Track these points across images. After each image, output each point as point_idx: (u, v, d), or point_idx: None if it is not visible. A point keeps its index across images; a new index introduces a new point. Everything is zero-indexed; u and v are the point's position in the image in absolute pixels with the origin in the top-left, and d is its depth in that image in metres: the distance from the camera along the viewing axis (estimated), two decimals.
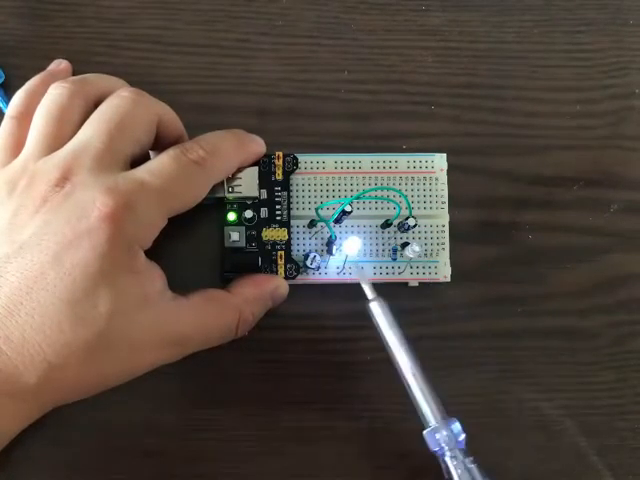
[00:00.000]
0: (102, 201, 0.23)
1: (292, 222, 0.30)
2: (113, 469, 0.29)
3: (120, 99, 0.26)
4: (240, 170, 0.29)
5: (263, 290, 0.28)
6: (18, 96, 0.28)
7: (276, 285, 0.29)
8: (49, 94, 0.26)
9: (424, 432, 0.26)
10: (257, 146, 0.29)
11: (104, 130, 0.25)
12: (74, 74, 0.31)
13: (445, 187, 0.30)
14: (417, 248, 0.29)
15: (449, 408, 0.30)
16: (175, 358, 0.26)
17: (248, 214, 0.29)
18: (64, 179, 0.24)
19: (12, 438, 0.25)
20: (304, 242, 0.30)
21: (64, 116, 0.26)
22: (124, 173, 0.25)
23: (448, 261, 0.30)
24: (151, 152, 0.28)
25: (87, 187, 0.24)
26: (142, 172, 0.25)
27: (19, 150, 0.26)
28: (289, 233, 0.29)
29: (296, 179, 0.30)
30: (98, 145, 0.25)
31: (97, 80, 0.28)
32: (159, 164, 0.25)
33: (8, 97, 0.30)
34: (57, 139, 0.25)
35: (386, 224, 0.30)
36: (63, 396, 0.25)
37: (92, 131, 0.25)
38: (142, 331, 0.24)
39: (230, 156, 0.28)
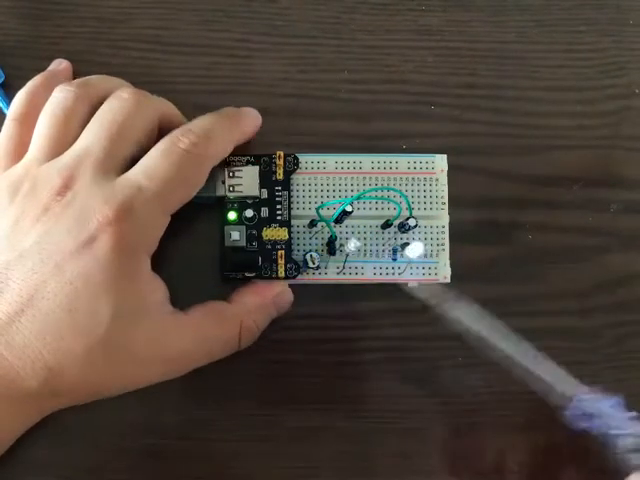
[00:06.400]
0: (102, 212, 0.23)
1: (292, 222, 0.30)
2: (113, 469, 0.29)
3: (120, 101, 0.26)
4: (241, 169, 0.29)
5: (265, 298, 0.28)
6: (19, 98, 0.28)
7: (278, 292, 0.29)
8: (54, 97, 0.26)
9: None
10: (251, 120, 0.29)
11: (105, 135, 0.25)
12: (74, 74, 0.31)
13: (445, 188, 0.30)
14: (418, 248, 0.29)
15: (449, 407, 0.31)
16: (179, 373, 0.26)
17: (248, 213, 0.29)
18: (65, 187, 0.24)
19: (13, 442, 0.25)
20: (304, 242, 0.30)
21: (68, 120, 0.26)
22: (122, 178, 0.25)
23: (448, 262, 0.30)
24: None
25: (87, 196, 0.24)
26: (138, 174, 0.25)
27: (21, 153, 0.26)
28: (289, 233, 0.29)
29: (297, 179, 0.30)
30: (99, 151, 0.25)
31: (101, 82, 0.27)
32: (153, 162, 0.25)
33: (8, 97, 0.30)
34: (61, 143, 0.25)
35: (386, 224, 0.30)
36: (62, 401, 0.25)
37: (93, 136, 0.25)
38: (141, 343, 0.24)
39: (224, 137, 0.27)
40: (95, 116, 0.26)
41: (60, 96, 0.26)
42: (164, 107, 0.27)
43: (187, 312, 0.26)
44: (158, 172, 0.25)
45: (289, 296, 0.29)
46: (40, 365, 0.22)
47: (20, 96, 0.28)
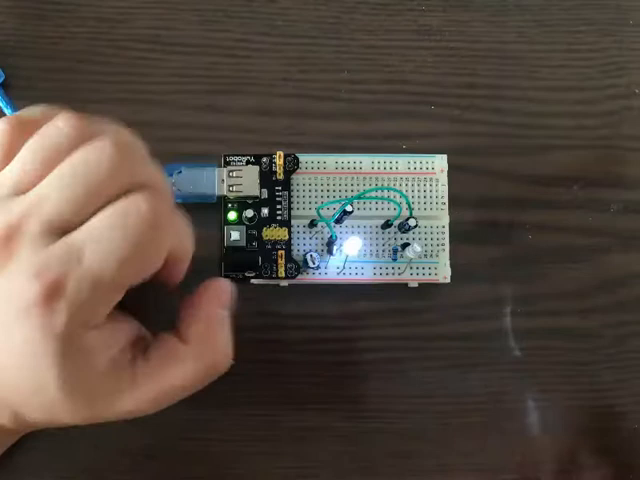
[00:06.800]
0: (31, 289, 0.20)
1: (292, 222, 0.30)
2: (113, 469, 0.29)
3: (98, 155, 0.22)
4: (241, 169, 0.29)
5: (213, 319, 0.25)
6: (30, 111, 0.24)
7: (222, 301, 0.25)
8: (50, 128, 0.23)
9: None
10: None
11: (65, 193, 0.21)
12: (75, 72, 0.31)
13: (445, 188, 0.30)
14: (418, 248, 0.29)
15: (449, 408, 0.31)
16: (155, 410, 0.24)
17: (249, 213, 0.29)
18: (5, 244, 0.21)
19: None
20: (304, 242, 0.30)
21: (53, 162, 0.22)
22: (64, 244, 0.21)
23: (448, 262, 0.30)
24: None
25: (21, 263, 0.21)
26: (83, 241, 0.21)
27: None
28: (289, 233, 0.29)
29: (297, 179, 0.30)
30: (52, 208, 0.21)
31: (103, 127, 0.23)
32: (101, 229, 0.21)
33: (8, 97, 0.30)
34: (35, 183, 0.22)
35: (387, 224, 0.30)
36: (37, 428, 0.25)
37: (53, 191, 0.21)
38: (98, 403, 0.22)
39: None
40: (64, 165, 0.22)
41: (55, 134, 0.22)
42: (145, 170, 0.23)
43: (147, 359, 0.23)
44: (104, 244, 0.21)
45: (227, 288, 0.25)
46: (6, 410, 0.22)
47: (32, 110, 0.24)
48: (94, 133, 0.23)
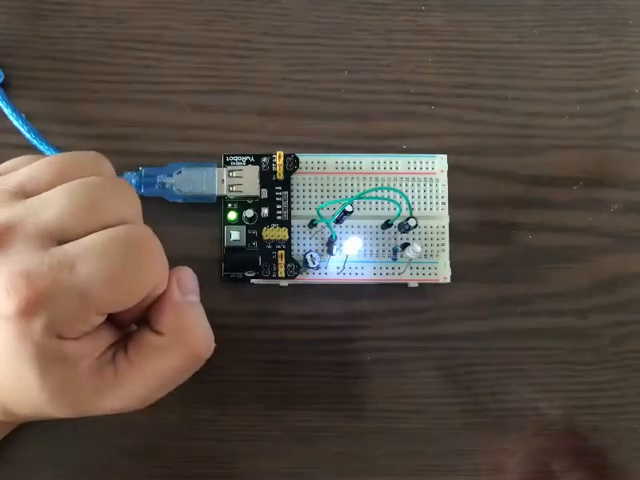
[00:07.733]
0: (14, 290, 0.20)
1: (292, 222, 0.30)
2: (113, 469, 0.29)
3: (110, 182, 0.23)
4: (241, 168, 0.29)
5: (186, 310, 0.24)
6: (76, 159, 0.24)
7: (186, 288, 0.24)
8: (74, 153, 0.24)
9: None
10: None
11: (72, 202, 0.22)
12: (76, 72, 0.31)
13: (445, 188, 0.30)
14: (418, 248, 0.29)
15: (449, 408, 0.31)
16: (144, 405, 0.24)
17: (249, 213, 0.29)
18: (5, 234, 0.21)
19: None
20: (304, 242, 0.30)
21: (66, 175, 0.23)
22: (57, 250, 0.21)
23: (448, 262, 0.30)
24: None
25: (15, 261, 0.20)
26: (77, 254, 0.21)
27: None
28: (289, 233, 0.30)
29: (297, 179, 0.30)
30: (53, 216, 0.21)
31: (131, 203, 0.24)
32: (99, 245, 0.21)
33: (8, 97, 0.30)
34: (44, 188, 0.22)
35: (387, 224, 0.30)
36: (29, 420, 0.25)
37: (62, 200, 0.22)
38: (82, 404, 0.22)
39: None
40: (75, 181, 0.22)
41: (75, 157, 0.23)
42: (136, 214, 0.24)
43: (129, 358, 0.23)
44: (98, 261, 0.21)
45: (189, 275, 0.25)
46: None
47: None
48: (111, 171, 0.24)
